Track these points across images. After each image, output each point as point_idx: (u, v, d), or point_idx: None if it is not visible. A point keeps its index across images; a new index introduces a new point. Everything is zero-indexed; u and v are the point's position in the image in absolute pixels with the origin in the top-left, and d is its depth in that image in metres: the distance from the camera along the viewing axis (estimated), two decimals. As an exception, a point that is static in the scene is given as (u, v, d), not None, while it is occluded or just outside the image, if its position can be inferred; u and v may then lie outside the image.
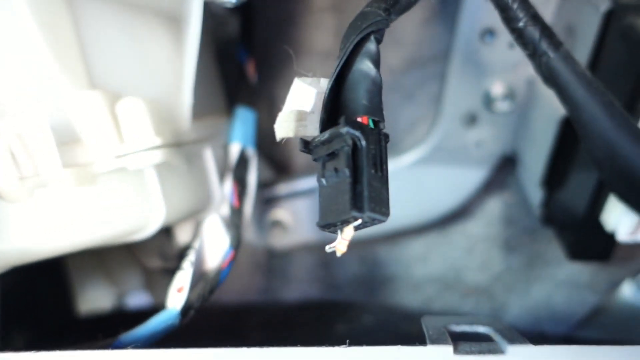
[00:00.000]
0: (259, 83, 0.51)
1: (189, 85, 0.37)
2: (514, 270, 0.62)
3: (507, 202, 0.59)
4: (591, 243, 0.44)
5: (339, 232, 0.23)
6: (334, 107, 0.24)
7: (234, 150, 0.43)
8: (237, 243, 0.38)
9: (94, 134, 0.31)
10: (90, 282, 0.60)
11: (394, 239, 0.62)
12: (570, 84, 0.29)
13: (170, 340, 0.33)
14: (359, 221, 0.22)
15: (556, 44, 0.28)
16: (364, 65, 0.24)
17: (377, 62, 0.24)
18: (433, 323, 0.28)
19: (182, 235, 0.46)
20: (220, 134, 0.44)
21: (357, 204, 0.22)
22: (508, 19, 0.29)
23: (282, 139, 0.24)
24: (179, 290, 0.35)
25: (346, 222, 0.23)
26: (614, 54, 0.38)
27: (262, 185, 0.56)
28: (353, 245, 0.24)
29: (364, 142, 0.23)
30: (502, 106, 0.49)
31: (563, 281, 0.61)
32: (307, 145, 0.24)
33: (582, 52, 0.40)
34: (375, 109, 0.24)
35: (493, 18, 0.29)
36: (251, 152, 0.44)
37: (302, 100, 0.23)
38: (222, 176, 0.43)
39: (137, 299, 0.62)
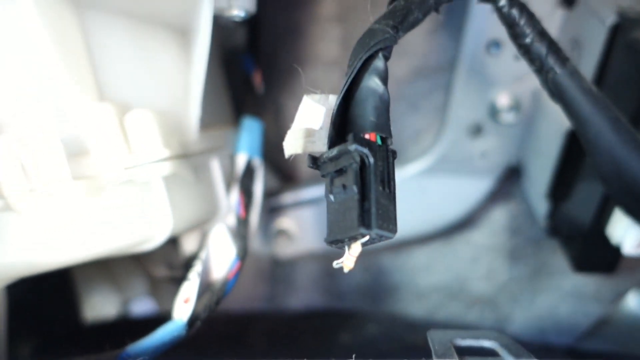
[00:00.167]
0: (265, 93, 0.51)
1: (197, 97, 0.38)
2: (518, 280, 0.62)
3: (512, 213, 0.59)
4: (596, 255, 0.44)
5: (346, 247, 0.24)
6: (342, 124, 0.24)
7: (241, 160, 0.43)
8: (243, 254, 0.38)
9: (102, 146, 0.32)
10: (96, 289, 0.60)
11: (399, 248, 0.62)
12: (577, 99, 0.29)
13: (176, 347, 0.33)
14: (367, 238, 0.23)
15: (563, 60, 0.29)
16: (372, 82, 0.24)
17: (385, 79, 0.24)
18: (439, 337, 0.29)
19: (189, 245, 0.47)
20: (227, 145, 0.44)
21: (364, 221, 0.22)
22: (515, 34, 0.29)
23: (291, 155, 0.24)
24: (186, 301, 0.35)
25: (354, 239, 0.23)
26: (620, 67, 0.38)
27: (268, 194, 0.56)
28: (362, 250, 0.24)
29: (371, 159, 0.23)
30: (508, 117, 0.49)
31: (568, 292, 0.61)
32: (315, 161, 0.24)
33: (588, 65, 0.41)
34: (383, 125, 0.24)
35: (499, 30, 0.29)
36: (257, 163, 0.44)
37: (311, 118, 0.23)
38: (228, 186, 0.43)
39: (143, 306, 0.62)
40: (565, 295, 0.61)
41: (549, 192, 0.48)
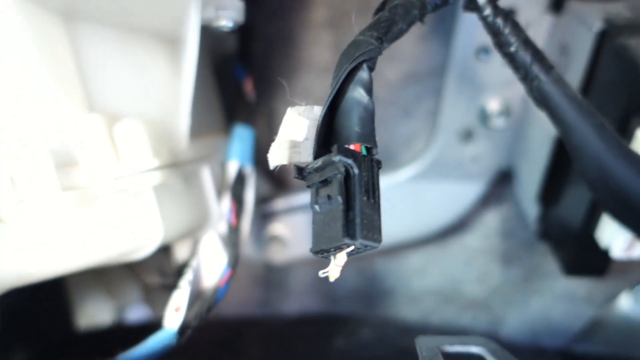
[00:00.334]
0: (257, 98, 0.51)
1: (186, 106, 0.38)
2: (511, 283, 0.62)
3: (504, 216, 0.59)
4: (587, 259, 0.44)
5: (332, 257, 0.24)
6: (328, 134, 0.25)
7: (232, 168, 0.43)
8: (234, 262, 0.38)
9: (92, 157, 0.32)
10: (90, 296, 0.60)
11: (392, 252, 0.62)
12: (562, 107, 0.29)
13: (168, 354, 0.33)
14: (352, 248, 0.23)
15: (547, 67, 0.29)
16: (357, 93, 0.24)
17: (369, 90, 0.25)
18: (427, 343, 0.29)
19: (181, 252, 0.47)
20: (218, 153, 0.45)
21: (349, 231, 0.22)
22: (500, 43, 0.29)
23: (276, 166, 0.24)
24: (177, 309, 0.35)
25: (339, 249, 0.23)
26: (607, 73, 0.38)
27: (261, 201, 0.56)
28: (352, 258, 0.24)
29: (356, 170, 0.23)
30: (498, 122, 0.49)
31: (561, 294, 0.61)
32: (300, 171, 0.24)
33: (576, 71, 0.41)
34: (368, 135, 0.24)
35: (488, 36, 0.29)
36: (249, 170, 0.44)
37: (295, 130, 0.24)
38: (219, 194, 0.44)
39: (137, 313, 0.62)
40: (557, 298, 0.61)
41: (539, 195, 0.48)
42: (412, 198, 0.56)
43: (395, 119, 0.55)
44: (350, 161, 0.23)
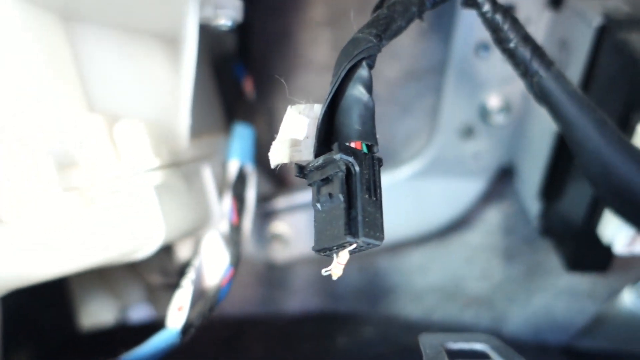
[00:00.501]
0: (257, 97, 0.51)
1: (186, 106, 0.38)
2: (513, 279, 0.62)
3: (505, 212, 0.59)
4: (589, 254, 0.44)
5: (334, 256, 0.24)
6: (328, 133, 0.25)
7: (233, 167, 0.43)
8: (236, 260, 0.38)
9: (92, 157, 0.32)
10: (93, 296, 0.60)
11: (394, 249, 0.62)
12: (562, 102, 0.29)
13: (172, 353, 0.33)
14: (354, 246, 0.23)
15: (547, 63, 0.29)
16: (356, 91, 0.24)
17: (369, 88, 0.24)
18: (430, 341, 0.29)
19: (182, 251, 0.47)
20: (219, 152, 0.45)
21: (351, 229, 0.22)
22: (499, 39, 0.29)
23: (277, 165, 0.24)
24: (179, 309, 0.35)
25: (341, 247, 0.23)
26: (607, 68, 0.38)
27: (262, 199, 0.56)
28: (353, 256, 0.24)
29: (357, 168, 0.23)
30: (498, 119, 0.49)
31: (563, 290, 0.61)
32: (302, 170, 0.24)
33: (576, 66, 0.41)
34: (368, 133, 0.24)
35: (487, 33, 0.29)
36: (250, 169, 0.44)
37: (295, 129, 0.24)
38: (221, 193, 0.44)
39: (140, 312, 0.62)
40: (560, 294, 0.61)
41: (541, 192, 0.48)
42: (413, 195, 0.56)
43: (395, 117, 0.55)
44: (351, 159, 0.23)
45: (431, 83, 0.53)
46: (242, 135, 0.44)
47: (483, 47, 0.46)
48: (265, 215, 0.57)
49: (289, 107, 0.24)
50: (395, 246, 0.61)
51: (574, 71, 0.41)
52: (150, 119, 0.35)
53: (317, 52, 0.53)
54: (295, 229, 0.57)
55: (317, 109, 0.24)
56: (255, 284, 0.65)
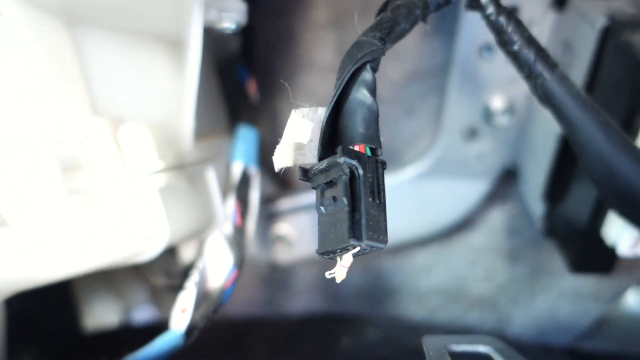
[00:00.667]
0: (261, 99, 0.51)
1: (190, 108, 0.38)
2: (517, 280, 0.62)
3: (509, 214, 0.59)
4: (593, 256, 0.44)
5: (338, 258, 0.24)
6: (332, 136, 0.25)
7: (236, 169, 0.43)
8: (240, 262, 0.38)
9: (97, 160, 0.32)
10: (97, 297, 0.61)
11: (398, 251, 0.62)
12: (566, 104, 0.29)
13: (176, 355, 0.34)
14: (358, 249, 0.23)
15: (551, 65, 0.29)
16: (360, 94, 0.24)
17: (373, 91, 0.25)
18: (433, 343, 0.29)
19: (186, 253, 0.47)
20: (223, 154, 0.45)
21: (355, 232, 0.22)
22: (503, 42, 0.29)
23: (281, 169, 0.24)
24: (183, 311, 0.35)
25: (345, 250, 0.23)
26: (611, 70, 0.38)
27: (266, 201, 0.56)
28: (357, 257, 0.24)
29: (361, 171, 0.23)
30: (502, 120, 0.49)
31: (567, 291, 0.61)
32: (306, 173, 0.24)
33: (580, 67, 0.41)
34: (372, 136, 0.24)
35: (491, 34, 0.29)
36: (253, 171, 0.44)
37: (299, 132, 0.24)
38: (224, 195, 0.44)
39: (144, 314, 0.63)
40: (564, 295, 0.61)
41: (545, 193, 0.48)
42: (417, 197, 0.56)
43: (399, 118, 0.55)
44: (354, 162, 0.23)
45: (435, 84, 0.53)
46: (245, 137, 0.44)
47: (486, 48, 0.46)
48: (268, 216, 0.57)
49: (293, 111, 0.24)
50: (399, 247, 0.61)
51: (578, 73, 0.41)
52: (154, 122, 0.35)
53: (321, 53, 0.53)
54: (298, 231, 0.57)
55: (321, 113, 0.24)
56: (259, 286, 0.65)
